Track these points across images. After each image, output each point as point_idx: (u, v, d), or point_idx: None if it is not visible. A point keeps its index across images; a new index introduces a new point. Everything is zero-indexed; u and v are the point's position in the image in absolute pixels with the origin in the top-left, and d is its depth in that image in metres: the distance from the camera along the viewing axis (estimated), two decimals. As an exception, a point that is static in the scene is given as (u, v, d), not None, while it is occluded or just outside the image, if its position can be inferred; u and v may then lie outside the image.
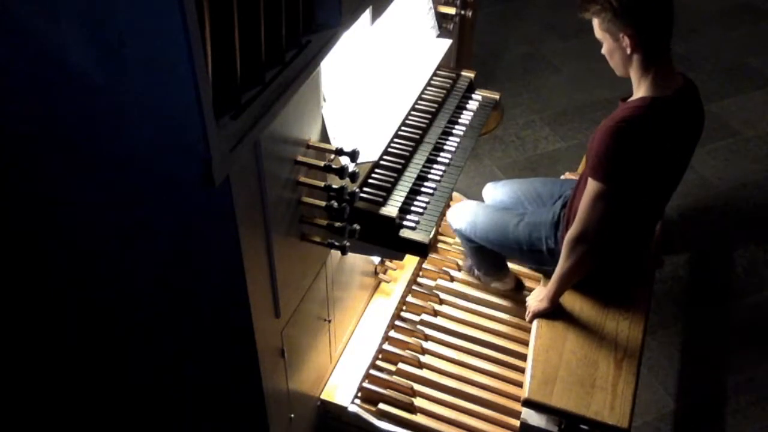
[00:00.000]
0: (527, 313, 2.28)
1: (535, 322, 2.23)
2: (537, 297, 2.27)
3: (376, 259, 2.68)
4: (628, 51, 1.95)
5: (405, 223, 1.97)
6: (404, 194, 2.02)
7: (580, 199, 2.13)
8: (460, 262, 2.93)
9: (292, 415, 2.13)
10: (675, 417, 2.63)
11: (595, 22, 2.00)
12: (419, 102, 2.34)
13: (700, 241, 3.36)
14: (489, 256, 2.62)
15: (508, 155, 3.87)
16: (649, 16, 1.91)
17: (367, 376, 2.50)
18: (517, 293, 2.77)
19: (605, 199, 1.98)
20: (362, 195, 1.95)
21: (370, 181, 2.02)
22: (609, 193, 1.98)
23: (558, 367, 2.08)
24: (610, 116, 1.99)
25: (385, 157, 2.09)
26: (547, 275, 2.34)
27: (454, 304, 2.81)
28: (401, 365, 2.58)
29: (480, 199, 2.73)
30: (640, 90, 2.00)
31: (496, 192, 2.64)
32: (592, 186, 2.00)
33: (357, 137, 1.93)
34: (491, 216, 2.44)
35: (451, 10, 2.58)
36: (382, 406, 2.44)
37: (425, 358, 2.61)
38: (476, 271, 2.81)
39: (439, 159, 2.23)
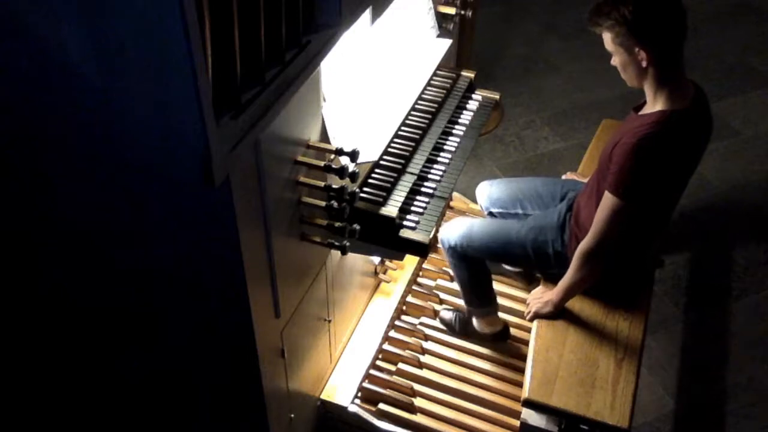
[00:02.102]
0: (527, 312, 2.28)
1: (535, 322, 2.23)
2: (538, 297, 2.27)
3: (376, 259, 2.68)
4: (644, 64, 1.92)
5: (405, 223, 1.97)
6: (404, 194, 2.02)
7: (588, 205, 2.12)
8: (439, 308, 2.75)
9: (292, 415, 2.13)
10: (675, 417, 2.63)
11: (607, 36, 1.96)
12: (419, 102, 2.34)
13: (700, 241, 3.36)
14: (481, 283, 2.50)
15: (508, 155, 3.87)
16: (665, 30, 1.89)
17: (367, 376, 2.50)
18: (501, 341, 2.62)
19: (624, 215, 1.97)
20: (362, 195, 1.95)
21: (370, 181, 2.02)
22: (628, 209, 1.96)
23: (558, 367, 2.08)
24: (630, 131, 1.95)
25: (385, 157, 2.09)
26: (550, 278, 2.34)
27: (454, 304, 2.80)
28: (401, 365, 2.58)
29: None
30: (657, 103, 1.97)
31: (492, 189, 2.58)
32: (610, 202, 1.97)
33: (357, 137, 1.93)
34: (489, 225, 2.39)
35: (451, 10, 2.58)
36: (382, 406, 2.44)
37: (425, 358, 2.61)
38: (457, 316, 2.66)
39: (439, 159, 2.23)
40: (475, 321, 2.60)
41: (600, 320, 2.20)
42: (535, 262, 2.36)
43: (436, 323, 2.72)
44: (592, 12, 1.97)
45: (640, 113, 2.03)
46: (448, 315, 2.70)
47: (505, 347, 2.63)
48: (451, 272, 2.56)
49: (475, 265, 2.44)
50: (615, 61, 2.01)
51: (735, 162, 3.82)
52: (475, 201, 2.86)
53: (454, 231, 2.41)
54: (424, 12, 2.44)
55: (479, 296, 2.53)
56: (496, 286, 2.69)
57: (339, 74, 1.92)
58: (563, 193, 2.43)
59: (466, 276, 2.47)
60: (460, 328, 2.65)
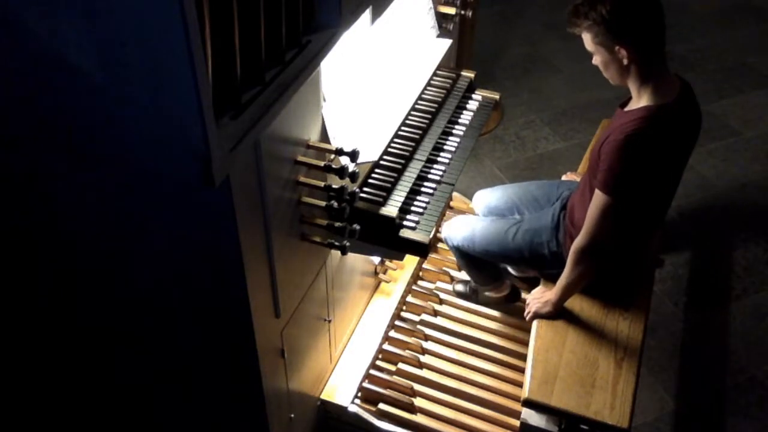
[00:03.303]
0: (527, 312, 2.28)
1: (535, 322, 2.23)
2: (537, 297, 2.27)
3: (376, 259, 2.68)
4: (625, 62, 1.93)
5: (405, 223, 1.97)
6: (404, 194, 2.02)
7: (582, 203, 2.12)
8: (453, 274, 2.88)
9: (292, 415, 2.13)
10: (675, 417, 2.63)
11: (586, 37, 1.97)
12: (419, 102, 2.34)
13: (700, 241, 3.36)
14: (486, 268, 2.60)
15: (508, 155, 3.87)
16: (642, 25, 1.90)
17: (367, 376, 2.50)
18: (511, 303, 2.73)
19: (614, 212, 1.98)
20: (362, 195, 1.95)
21: (370, 181, 2.02)
22: (618, 206, 1.97)
23: (558, 367, 2.08)
24: (617, 128, 1.96)
25: (385, 157, 2.09)
26: (549, 278, 2.34)
27: (454, 304, 2.80)
28: (401, 365, 2.58)
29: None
30: (642, 99, 1.98)
31: (490, 197, 2.60)
32: (600, 199, 1.98)
33: (357, 137, 1.93)
34: (489, 228, 2.41)
35: (451, 10, 2.58)
36: (382, 406, 2.44)
37: (425, 358, 2.61)
38: (470, 286, 2.77)
39: (439, 159, 2.23)
40: (483, 291, 2.73)
41: (600, 320, 2.20)
42: (532, 263, 2.39)
43: (437, 322, 2.73)
44: (569, 13, 1.99)
45: (626, 109, 2.04)
46: (460, 287, 2.81)
47: (505, 347, 2.63)
48: (455, 262, 2.68)
49: (479, 260, 2.50)
50: (596, 60, 2.02)
51: (735, 162, 3.82)
52: (475, 201, 2.86)
53: (457, 232, 2.46)
54: (424, 12, 2.44)
55: (485, 277, 2.65)
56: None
57: (339, 74, 1.92)
58: (559, 194, 2.44)
59: (472, 267, 2.58)
60: (473, 296, 2.77)
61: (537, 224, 2.33)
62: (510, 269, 2.79)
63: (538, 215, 2.39)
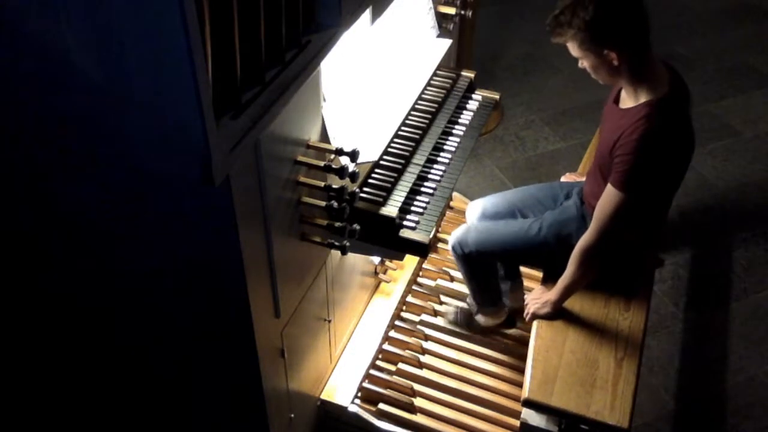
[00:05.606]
0: (526, 312, 2.28)
1: (535, 322, 2.22)
2: (536, 297, 2.26)
3: (376, 259, 2.68)
4: (615, 63, 1.93)
5: (405, 223, 1.97)
6: (404, 194, 2.02)
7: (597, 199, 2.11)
8: (441, 308, 2.79)
9: (292, 415, 2.14)
10: (675, 417, 2.63)
11: (572, 44, 1.96)
12: (419, 102, 2.34)
13: (700, 241, 3.36)
14: (491, 285, 2.54)
15: (508, 155, 3.87)
16: (627, 25, 1.90)
17: (367, 376, 2.50)
18: (506, 327, 2.68)
19: (628, 210, 1.97)
20: (362, 195, 1.95)
21: (370, 181, 2.02)
22: (632, 204, 1.97)
23: (558, 367, 2.08)
24: (628, 127, 1.94)
25: (385, 157, 2.09)
26: (548, 279, 2.33)
27: (453, 302, 2.80)
28: (401, 365, 2.58)
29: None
30: (640, 95, 1.98)
31: (486, 203, 2.51)
32: (616, 197, 1.96)
33: (357, 137, 1.93)
34: (506, 227, 2.36)
35: (451, 10, 2.58)
36: (382, 406, 2.44)
37: (425, 358, 2.61)
38: (462, 312, 2.71)
39: (439, 159, 2.23)
40: (479, 316, 2.65)
41: (600, 320, 2.20)
42: (556, 255, 2.29)
43: (437, 322, 2.72)
44: (551, 24, 1.96)
45: (624, 107, 2.03)
46: (450, 312, 2.73)
47: (506, 347, 2.63)
48: (461, 276, 2.58)
49: (486, 270, 2.47)
50: (583, 64, 2.01)
51: (735, 162, 3.82)
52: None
53: (467, 238, 2.38)
54: (424, 12, 2.44)
55: (490, 296, 2.58)
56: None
57: (339, 74, 1.92)
58: (565, 194, 2.42)
59: (479, 280, 2.50)
60: (464, 322, 2.69)
61: (561, 217, 2.30)
62: (504, 299, 2.72)
63: (558, 210, 2.36)
